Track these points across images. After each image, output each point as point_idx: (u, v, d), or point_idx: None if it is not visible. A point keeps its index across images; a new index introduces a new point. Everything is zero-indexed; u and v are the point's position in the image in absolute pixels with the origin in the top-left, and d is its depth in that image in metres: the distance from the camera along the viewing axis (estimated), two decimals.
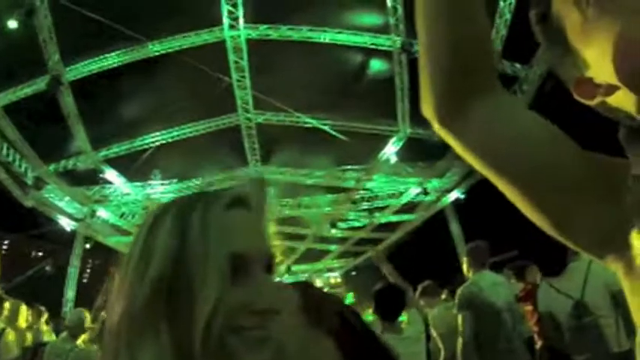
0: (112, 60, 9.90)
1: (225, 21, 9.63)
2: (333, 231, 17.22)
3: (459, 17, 0.68)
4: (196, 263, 0.68)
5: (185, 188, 12.99)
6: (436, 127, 0.73)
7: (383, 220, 17.05)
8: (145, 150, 11.61)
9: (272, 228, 0.86)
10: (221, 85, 10.30)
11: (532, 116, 0.70)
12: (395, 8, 9.89)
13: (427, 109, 0.72)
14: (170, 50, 9.95)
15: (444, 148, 13.72)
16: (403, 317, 3.70)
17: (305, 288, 1.03)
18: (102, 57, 9.84)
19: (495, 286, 4.03)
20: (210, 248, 0.69)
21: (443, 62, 0.70)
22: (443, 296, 6.14)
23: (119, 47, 9.78)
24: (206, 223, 0.72)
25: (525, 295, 4.07)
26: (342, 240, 18.27)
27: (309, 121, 12.08)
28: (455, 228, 17.18)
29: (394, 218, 17.19)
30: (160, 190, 12.83)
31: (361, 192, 15.50)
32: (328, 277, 21.71)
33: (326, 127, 12.22)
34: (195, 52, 9.86)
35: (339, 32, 10.43)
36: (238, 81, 10.54)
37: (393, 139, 12.65)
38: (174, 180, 13.00)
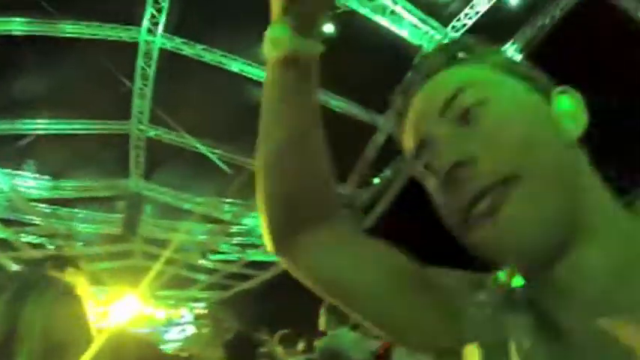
0: (15, 26, 8.86)
1: (145, 23, 9.38)
2: (204, 261, 17.34)
3: (300, 148, 0.68)
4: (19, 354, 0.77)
5: (57, 188, 12.58)
6: (273, 251, 0.73)
7: (254, 258, 17.47)
8: (24, 136, 10.79)
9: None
10: (122, 88, 10.06)
11: (372, 247, 0.72)
12: None
13: (264, 233, 0.72)
14: (81, 36, 9.29)
15: None
16: None
17: None
18: (5, 19, 8.74)
19: (355, 343, 4.11)
20: (34, 343, 0.79)
21: (278, 192, 0.70)
22: (300, 346, 6.00)
23: (28, 15, 8.80)
24: (33, 318, 0.81)
25: (383, 352, 4.08)
26: (211, 271, 18.36)
27: (199, 147, 12.35)
28: None
29: (265, 257, 17.67)
30: (31, 184, 12.22)
31: (237, 226, 15.96)
32: (193, 307, 21.34)
33: (214, 157, 12.62)
34: (105, 47, 9.40)
35: (249, 64, 10.55)
36: (140, 89, 10.37)
37: None
38: (48, 177, 12.44)
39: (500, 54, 0.69)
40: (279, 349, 5.48)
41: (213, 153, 12.63)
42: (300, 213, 0.70)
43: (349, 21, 9.88)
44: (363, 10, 9.84)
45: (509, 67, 0.65)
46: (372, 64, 10.12)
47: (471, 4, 10.41)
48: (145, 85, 10.34)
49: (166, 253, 16.06)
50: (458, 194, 0.57)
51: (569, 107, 0.62)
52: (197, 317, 21.09)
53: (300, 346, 5.99)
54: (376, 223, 15.60)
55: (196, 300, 21.29)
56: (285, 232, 0.71)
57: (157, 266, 16.89)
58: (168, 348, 13.78)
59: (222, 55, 10.43)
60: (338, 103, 12.15)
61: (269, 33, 0.66)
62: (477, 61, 0.64)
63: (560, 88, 0.63)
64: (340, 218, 0.74)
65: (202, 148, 12.35)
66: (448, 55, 0.66)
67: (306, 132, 0.69)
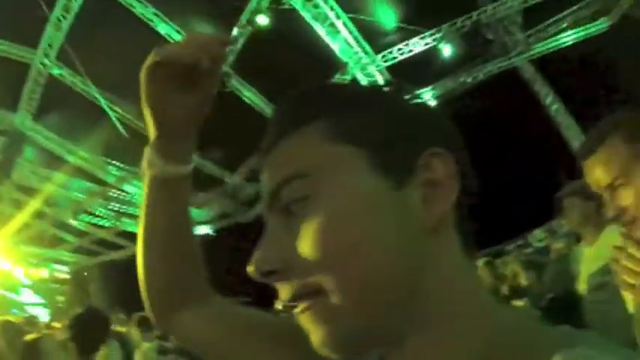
0: None
1: None
2: (75, 221, 16.25)
3: (168, 250, 0.79)
4: None
5: None
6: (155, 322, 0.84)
7: (128, 228, 16.75)
8: None
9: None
10: (39, 12, 9.19)
11: (245, 319, 0.81)
12: None
13: (146, 306, 0.82)
14: None
15: (211, 180, 14.72)
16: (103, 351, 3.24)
17: None
18: None
19: None
20: None
21: (151, 282, 0.81)
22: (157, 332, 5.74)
23: None
24: None
25: None
26: (81, 233, 17.22)
27: (100, 100, 11.74)
28: None
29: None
30: None
31: (118, 192, 15.26)
32: (54, 269, 19.79)
33: (112, 114, 12.05)
34: None
35: (178, 32, 10.23)
36: (58, 19, 9.54)
37: None
38: None
39: (360, 112, 0.56)
40: (134, 332, 5.24)
41: (113, 110, 12.07)
42: (173, 297, 0.80)
43: (288, 18, 10.03)
44: (306, 14, 10.01)
45: (364, 132, 0.54)
46: (295, 64, 10.22)
47: (407, 42, 10.93)
48: (64, 18, 9.54)
49: (36, 203, 15.00)
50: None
51: (439, 174, 0.53)
52: (57, 282, 19.78)
53: (158, 332, 5.59)
54: (258, 219, 15.73)
55: (60, 262, 19.84)
56: (161, 313, 0.82)
57: (24, 216, 15.71)
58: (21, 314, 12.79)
59: (154, 14, 10.01)
60: (249, 95, 12.17)
61: (144, 154, 0.77)
62: (324, 124, 0.55)
63: (431, 151, 0.53)
64: (213, 298, 0.84)
65: (103, 102, 11.75)
66: (296, 114, 0.57)
67: (175, 236, 0.79)
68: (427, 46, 10.94)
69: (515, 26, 11.23)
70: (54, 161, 13.86)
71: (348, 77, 11.39)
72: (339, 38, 10.49)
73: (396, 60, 11.20)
